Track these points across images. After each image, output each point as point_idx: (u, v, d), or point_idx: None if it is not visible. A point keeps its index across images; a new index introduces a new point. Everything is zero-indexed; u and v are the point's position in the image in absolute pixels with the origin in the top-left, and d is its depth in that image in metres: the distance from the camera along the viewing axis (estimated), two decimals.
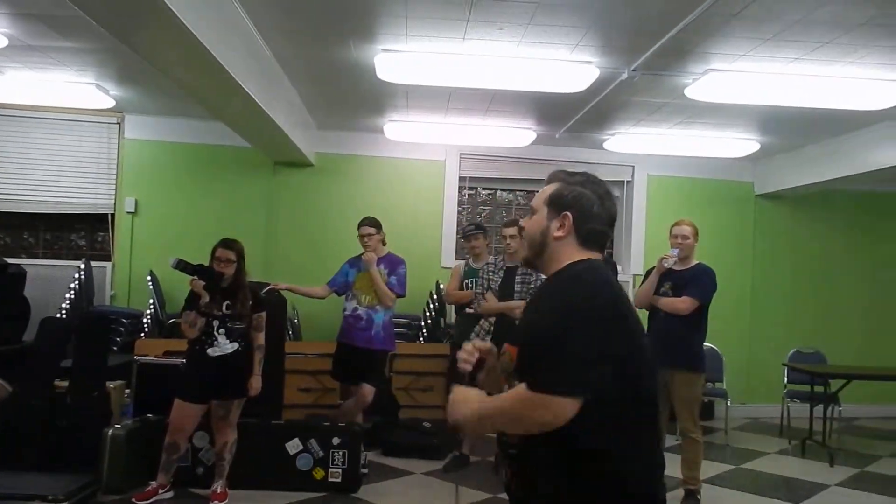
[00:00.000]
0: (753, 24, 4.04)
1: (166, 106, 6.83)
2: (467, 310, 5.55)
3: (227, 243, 4.46)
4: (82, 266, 6.80)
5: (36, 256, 7.34)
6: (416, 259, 6.40)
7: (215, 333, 4.37)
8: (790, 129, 6.49)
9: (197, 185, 7.31)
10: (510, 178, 7.95)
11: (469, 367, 1.96)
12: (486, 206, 8.14)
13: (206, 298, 4.33)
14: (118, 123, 7.22)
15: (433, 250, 7.53)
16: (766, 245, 8.08)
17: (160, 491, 4.46)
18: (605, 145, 7.22)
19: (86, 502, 4.33)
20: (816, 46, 4.34)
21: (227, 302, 4.40)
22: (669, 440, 5.29)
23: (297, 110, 6.38)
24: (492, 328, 5.01)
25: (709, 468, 5.51)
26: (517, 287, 4.97)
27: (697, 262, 4.88)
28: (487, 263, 5.34)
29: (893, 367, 7.31)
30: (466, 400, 1.83)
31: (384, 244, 5.48)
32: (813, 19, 3.94)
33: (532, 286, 4.87)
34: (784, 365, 7.09)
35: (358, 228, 5.41)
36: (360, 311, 5.35)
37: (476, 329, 5.11)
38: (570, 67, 4.81)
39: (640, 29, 4.26)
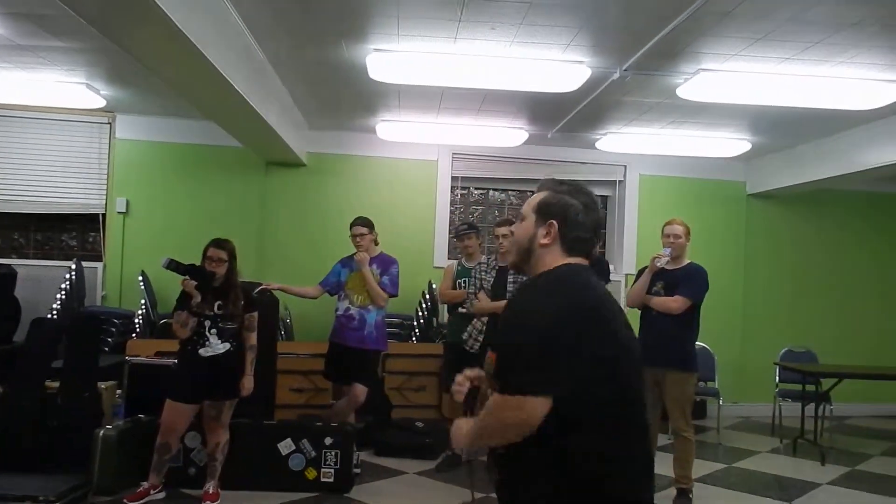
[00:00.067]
0: (745, 23, 4.05)
1: (157, 106, 6.80)
2: (460, 309, 5.56)
3: (219, 243, 4.45)
4: (73, 266, 6.77)
5: (27, 257, 7.31)
6: (409, 259, 6.41)
7: (207, 333, 4.35)
8: (782, 128, 6.51)
9: (188, 186, 7.28)
10: (502, 177, 7.96)
11: (461, 397, 2.06)
12: (479, 205, 8.15)
13: (197, 298, 4.31)
14: (109, 123, 7.19)
15: (426, 250, 7.52)
16: (758, 244, 8.11)
17: (152, 492, 4.44)
18: (597, 145, 7.23)
19: (77, 503, 4.31)
20: (808, 46, 4.35)
21: (218, 302, 4.38)
22: (662, 439, 5.31)
23: (289, 110, 6.37)
24: (484, 328, 5.01)
25: (701, 467, 5.53)
26: (510, 287, 4.95)
27: (689, 261, 4.89)
28: (480, 263, 5.34)
29: (885, 365, 7.34)
30: (460, 429, 1.92)
31: (376, 244, 5.48)
32: (804, 19, 3.96)
33: None
34: (776, 364, 7.11)
35: (350, 228, 5.41)
36: (353, 310, 5.35)
37: (469, 329, 5.10)
38: (562, 67, 4.81)
39: (631, 29, 4.27)
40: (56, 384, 4.92)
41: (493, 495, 1.91)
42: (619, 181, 8.01)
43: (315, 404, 6.34)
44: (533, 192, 2.04)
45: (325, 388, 6.19)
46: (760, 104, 5.52)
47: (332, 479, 4.85)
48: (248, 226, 7.24)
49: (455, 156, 7.69)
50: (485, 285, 5.10)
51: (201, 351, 4.34)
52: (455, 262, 6.00)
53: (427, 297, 7.11)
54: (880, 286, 8.30)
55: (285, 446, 4.86)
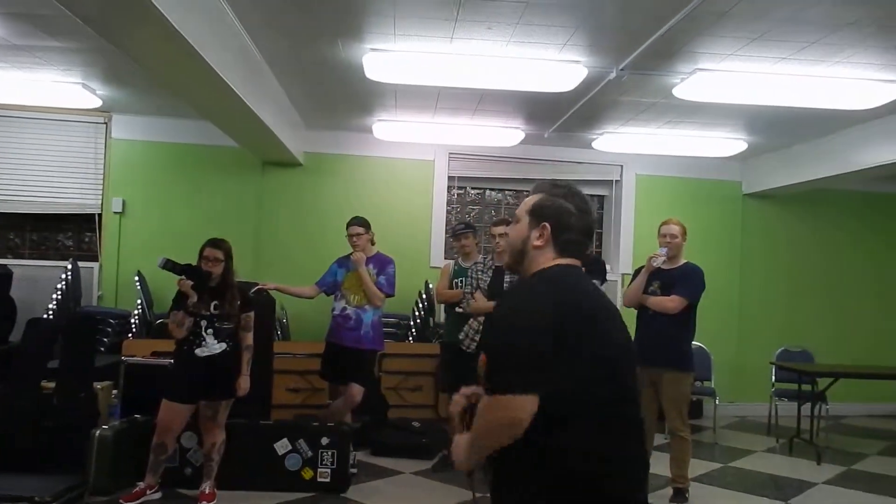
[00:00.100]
0: (741, 22, 4.06)
1: (154, 105, 6.79)
2: (457, 309, 5.55)
3: (215, 242, 4.44)
4: (69, 266, 6.76)
5: (22, 257, 7.29)
6: (406, 258, 6.41)
7: (203, 333, 4.35)
8: (778, 128, 6.52)
9: (185, 186, 7.28)
10: (499, 177, 7.96)
11: (455, 412, 2.08)
12: (475, 205, 8.15)
13: (193, 298, 4.31)
14: (105, 123, 7.18)
15: (422, 250, 7.52)
16: (754, 244, 8.12)
17: (148, 492, 4.43)
18: (594, 145, 7.23)
19: (73, 503, 4.30)
20: (804, 46, 4.36)
21: (215, 302, 4.37)
22: (658, 438, 5.31)
23: (286, 110, 6.37)
24: (481, 327, 5.00)
25: (697, 466, 5.53)
26: (506, 286, 4.97)
27: (686, 261, 4.90)
28: (476, 263, 5.34)
29: (881, 365, 7.35)
30: (458, 445, 1.94)
31: (373, 244, 5.48)
32: (801, 18, 3.96)
33: None
34: (772, 363, 7.13)
35: (346, 228, 5.41)
36: (349, 310, 5.34)
37: (465, 329, 5.11)
38: (559, 67, 4.82)
39: (628, 28, 4.27)
40: (52, 384, 4.91)
41: (488, 495, 1.91)
42: (616, 181, 8.01)
43: (311, 404, 6.34)
44: (529, 192, 2.06)
45: (321, 388, 6.18)
46: (757, 104, 5.53)
47: (328, 479, 4.84)
48: (245, 226, 7.23)
49: (452, 155, 7.69)
50: (481, 285, 5.10)
51: (198, 351, 4.34)
52: (452, 261, 5.99)
53: (424, 296, 7.11)
54: (876, 286, 8.32)
55: (282, 446, 4.85)
